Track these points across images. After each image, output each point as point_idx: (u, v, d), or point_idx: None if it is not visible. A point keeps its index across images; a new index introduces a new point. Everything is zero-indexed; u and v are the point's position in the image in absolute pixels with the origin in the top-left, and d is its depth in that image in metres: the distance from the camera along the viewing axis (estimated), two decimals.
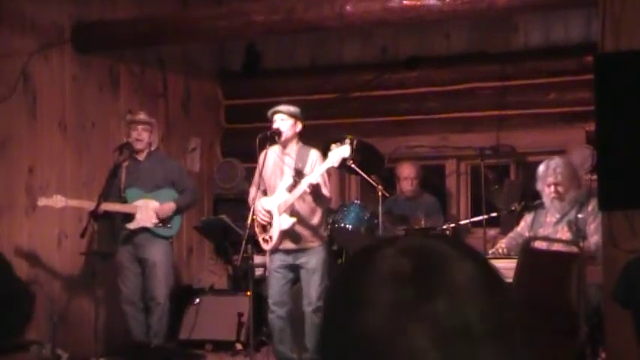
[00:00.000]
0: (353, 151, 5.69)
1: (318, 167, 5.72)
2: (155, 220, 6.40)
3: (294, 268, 5.91)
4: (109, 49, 7.13)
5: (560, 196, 5.76)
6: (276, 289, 5.90)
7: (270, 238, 5.85)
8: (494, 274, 0.91)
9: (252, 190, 6.02)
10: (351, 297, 0.89)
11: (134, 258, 6.45)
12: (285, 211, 5.79)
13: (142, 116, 6.53)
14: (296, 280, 6.02)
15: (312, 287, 5.82)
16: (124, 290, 6.46)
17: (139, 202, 6.41)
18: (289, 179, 5.82)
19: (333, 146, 5.63)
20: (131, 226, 6.39)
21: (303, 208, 5.85)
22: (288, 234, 5.81)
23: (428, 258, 0.88)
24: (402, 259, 0.88)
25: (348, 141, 5.61)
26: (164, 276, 6.47)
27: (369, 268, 0.89)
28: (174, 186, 6.57)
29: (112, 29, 6.97)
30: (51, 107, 6.65)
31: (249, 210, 5.86)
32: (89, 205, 6.26)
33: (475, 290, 0.86)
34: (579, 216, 5.70)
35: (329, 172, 6.15)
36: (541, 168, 5.86)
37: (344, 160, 5.71)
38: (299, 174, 5.80)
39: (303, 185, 5.66)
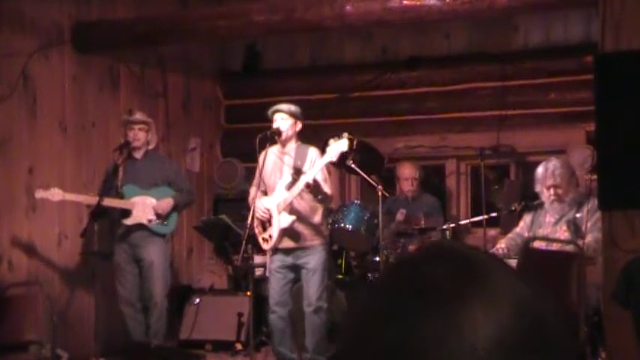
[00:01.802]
0: (351, 145, 5.67)
1: (317, 163, 5.72)
2: (152, 217, 6.40)
3: (295, 268, 5.91)
4: (109, 49, 7.12)
5: (559, 198, 5.77)
6: (276, 289, 5.90)
7: (270, 237, 5.85)
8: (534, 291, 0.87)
9: (253, 190, 6.02)
10: (388, 310, 0.85)
11: (131, 258, 6.44)
12: (284, 210, 5.79)
13: (138, 116, 6.53)
14: (297, 280, 6.01)
15: (312, 287, 5.82)
16: (121, 291, 6.46)
17: (136, 199, 6.41)
18: (288, 177, 5.82)
19: (331, 141, 5.63)
20: (128, 222, 6.38)
21: (302, 206, 5.84)
22: (288, 232, 5.81)
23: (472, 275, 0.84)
24: (443, 271, 0.85)
25: (345, 135, 5.60)
26: (161, 276, 6.46)
27: (408, 283, 0.85)
28: (171, 185, 6.57)
29: (112, 29, 6.97)
30: (51, 107, 6.65)
31: (250, 210, 5.87)
32: (86, 199, 6.26)
33: (514, 309, 0.83)
34: (578, 215, 5.71)
35: (329, 170, 6.15)
36: (539, 170, 5.86)
37: (343, 155, 5.69)
38: (298, 172, 5.80)
39: (302, 183, 5.65)
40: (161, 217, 6.43)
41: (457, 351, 0.80)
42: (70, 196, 6.26)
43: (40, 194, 6.15)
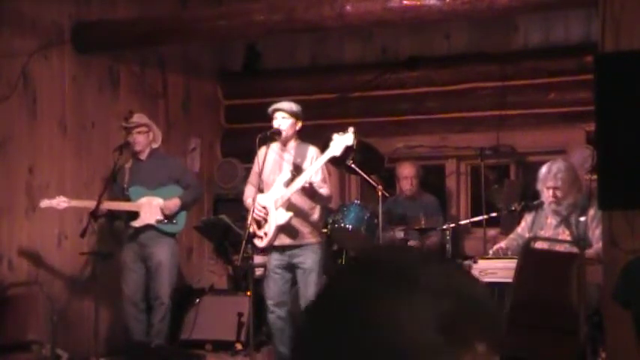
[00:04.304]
0: (355, 140, 5.61)
1: (318, 160, 5.70)
2: (159, 217, 6.39)
3: (291, 268, 5.89)
4: (109, 49, 7.12)
5: (557, 201, 5.77)
6: (275, 290, 5.88)
7: (266, 234, 5.81)
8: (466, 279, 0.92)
9: (250, 189, 6.00)
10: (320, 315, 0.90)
11: (139, 258, 6.44)
12: (281, 206, 5.76)
13: (134, 119, 6.51)
14: (295, 281, 5.99)
15: (309, 288, 5.79)
16: (125, 291, 6.45)
17: (143, 200, 6.40)
18: (287, 174, 5.80)
19: (336, 135, 5.59)
20: (136, 224, 6.38)
21: (300, 203, 5.81)
22: (284, 229, 5.78)
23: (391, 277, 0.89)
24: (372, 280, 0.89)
25: (351, 129, 5.56)
26: (169, 276, 6.47)
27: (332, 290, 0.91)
28: (179, 183, 6.57)
29: (112, 29, 6.97)
30: (51, 107, 6.66)
31: (248, 209, 5.86)
32: (92, 204, 6.25)
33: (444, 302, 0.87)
34: (581, 219, 5.71)
35: (329, 171, 6.14)
36: (543, 170, 5.86)
37: (347, 150, 5.66)
38: (297, 169, 5.78)
39: (302, 180, 5.63)
40: (169, 217, 6.43)
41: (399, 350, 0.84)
42: (76, 203, 6.26)
43: (45, 204, 6.14)
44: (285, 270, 5.88)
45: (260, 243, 5.82)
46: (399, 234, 6.90)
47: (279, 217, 5.73)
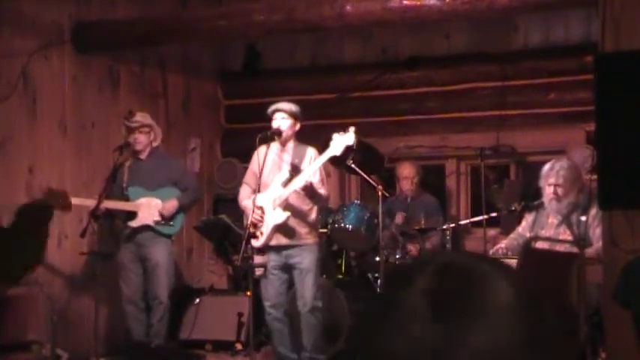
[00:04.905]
0: (356, 140, 5.60)
1: (318, 160, 5.69)
2: (157, 218, 6.40)
3: (288, 269, 5.88)
4: (109, 49, 7.12)
5: (557, 198, 5.77)
6: (271, 291, 5.87)
7: (262, 233, 5.80)
8: (530, 293, 0.90)
9: (245, 189, 5.99)
10: (384, 320, 0.88)
11: (136, 258, 6.45)
12: (279, 206, 5.75)
13: (138, 118, 6.51)
14: (292, 282, 5.98)
15: (307, 288, 5.79)
16: (125, 290, 6.46)
17: (142, 200, 6.41)
18: (285, 174, 5.79)
19: (336, 135, 5.58)
20: (133, 224, 6.39)
21: (298, 203, 5.80)
22: (281, 229, 5.78)
23: (466, 281, 0.87)
24: (436, 283, 0.87)
25: (352, 129, 5.54)
26: (166, 275, 6.47)
27: (404, 293, 0.88)
28: (177, 184, 6.57)
29: (112, 29, 6.97)
30: (51, 107, 6.65)
31: (243, 210, 5.85)
32: (91, 203, 6.25)
33: (512, 314, 0.86)
34: (582, 219, 5.71)
35: (328, 172, 6.13)
36: (546, 167, 5.88)
37: (347, 150, 5.64)
38: (295, 169, 5.78)
39: (300, 180, 5.62)
40: (166, 219, 6.43)
41: None
42: (75, 200, 6.26)
43: None
44: (281, 271, 5.86)
45: (256, 242, 5.80)
46: (399, 228, 6.91)
47: (277, 216, 5.73)
